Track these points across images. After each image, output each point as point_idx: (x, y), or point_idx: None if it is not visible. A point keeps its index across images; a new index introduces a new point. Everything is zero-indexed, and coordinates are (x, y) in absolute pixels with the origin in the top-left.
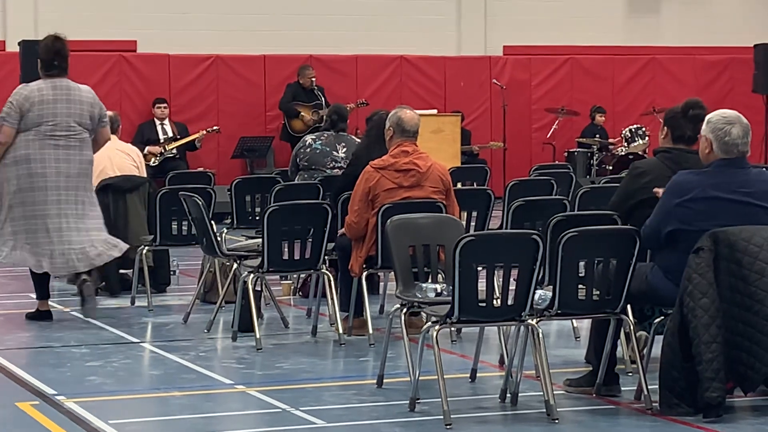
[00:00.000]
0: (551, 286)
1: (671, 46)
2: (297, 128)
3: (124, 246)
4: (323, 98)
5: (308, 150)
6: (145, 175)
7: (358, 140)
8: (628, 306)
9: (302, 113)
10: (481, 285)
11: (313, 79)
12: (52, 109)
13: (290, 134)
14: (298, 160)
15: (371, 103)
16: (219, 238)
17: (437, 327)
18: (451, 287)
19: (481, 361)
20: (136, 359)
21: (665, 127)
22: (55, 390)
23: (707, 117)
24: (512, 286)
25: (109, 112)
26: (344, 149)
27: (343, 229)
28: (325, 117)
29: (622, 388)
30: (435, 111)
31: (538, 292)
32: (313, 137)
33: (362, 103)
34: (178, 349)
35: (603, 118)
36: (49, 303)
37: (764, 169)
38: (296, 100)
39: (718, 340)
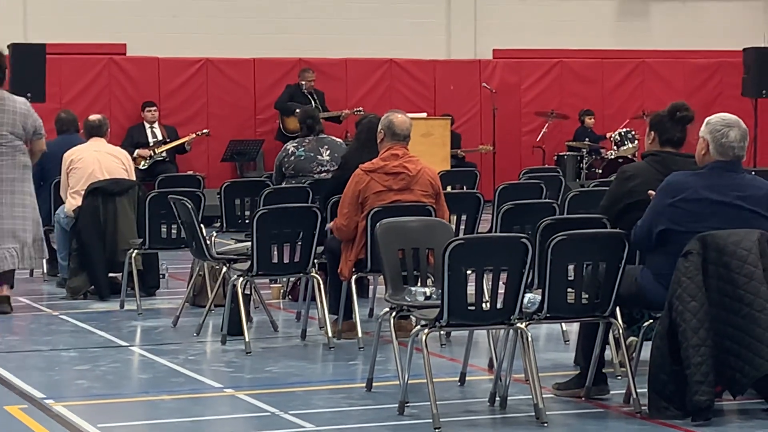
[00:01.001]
0: (540, 290)
1: (661, 50)
2: (291, 127)
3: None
4: (316, 102)
5: (292, 158)
6: (134, 178)
7: (339, 140)
8: (617, 309)
9: (297, 111)
10: (471, 288)
11: (310, 82)
12: None
13: (284, 134)
14: (283, 169)
15: (361, 106)
16: (208, 242)
17: (426, 330)
18: (440, 291)
19: (470, 365)
20: (125, 363)
21: (652, 132)
22: (43, 394)
23: (707, 119)
24: (501, 290)
25: (98, 116)
26: (328, 151)
27: (331, 226)
28: (299, 124)
29: (612, 392)
30: (425, 114)
31: (528, 295)
32: (295, 144)
33: (358, 110)
34: (168, 352)
35: (592, 121)
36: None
37: (753, 173)
38: (293, 101)
39: (707, 344)
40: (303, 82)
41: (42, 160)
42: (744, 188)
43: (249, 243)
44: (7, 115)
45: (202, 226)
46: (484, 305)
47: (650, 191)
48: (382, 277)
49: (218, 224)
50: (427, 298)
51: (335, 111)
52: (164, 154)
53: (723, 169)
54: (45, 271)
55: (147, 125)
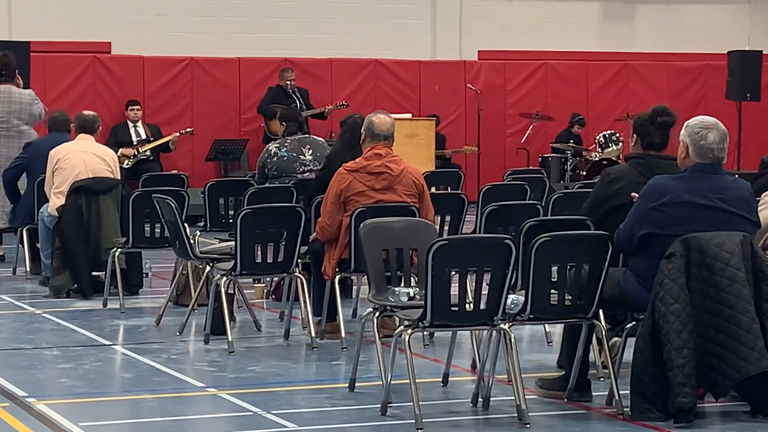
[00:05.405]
0: (524, 291)
1: (645, 53)
2: (275, 130)
3: None
4: (301, 101)
5: (275, 159)
6: (119, 178)
7: (321, 139)
8: (601, 311)
9: (280, 111)
10: (454, 289)
11: (291, 81)
12: None
13: (270, 137)
14: (266, 170)
15: (344, 100)
16: (192, 241)
17: (410, 331)
18: (423, 291)
19: (453, 366)
20: (107, 362)
21: (634, 135)
22: (25, 392)
23: (686, 122)
24: (485, 291)
25: (91, 112)
26: (310, 151)
27: (315, 234)
28: (287, 122)
29: (594, 393)
30: (410, 115)
31: (511, 296)
32: (277, 145)
33: (342, 104)
34: (150, 351)
35: (580, 130)
36: None
37: (737, 176)
38: (276, 103)
39: (690, 346)
40: (288, 81)
41: (29, 156)
42: (726, 190)
43: (232, 242)
44: (14, 105)
45: (185, 225)
46: (467, 306)
47: (633, 194)
48: (365, 277)
49: (202, 223)
50: (411, 298)
51: (319, 108)
52: (148, 152)
53: (704, 172)
54: (28, 269)
55: (131, 124)
